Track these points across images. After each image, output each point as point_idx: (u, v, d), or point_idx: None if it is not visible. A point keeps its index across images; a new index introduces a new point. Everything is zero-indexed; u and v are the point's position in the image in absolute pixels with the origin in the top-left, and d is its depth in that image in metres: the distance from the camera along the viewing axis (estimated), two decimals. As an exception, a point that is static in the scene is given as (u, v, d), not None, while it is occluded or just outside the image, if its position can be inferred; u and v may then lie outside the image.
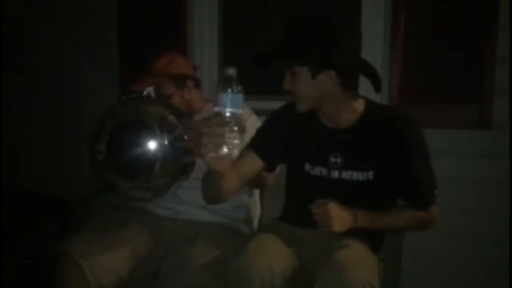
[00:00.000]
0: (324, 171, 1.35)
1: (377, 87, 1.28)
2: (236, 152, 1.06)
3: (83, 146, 1.48)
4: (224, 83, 1.04)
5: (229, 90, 1.04)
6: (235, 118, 1.04)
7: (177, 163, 1.40)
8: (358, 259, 1.15)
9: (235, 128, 1.04)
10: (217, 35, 2.33)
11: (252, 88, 2.30)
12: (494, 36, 1.76)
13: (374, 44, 1.97)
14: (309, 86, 1.25)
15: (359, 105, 1.34)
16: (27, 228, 2.08)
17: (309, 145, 1.37)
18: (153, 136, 1.37)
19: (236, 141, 1.05)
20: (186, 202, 1.55)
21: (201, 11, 2.29)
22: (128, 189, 1.43)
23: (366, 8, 2.03)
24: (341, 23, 1.26)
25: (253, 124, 1.56)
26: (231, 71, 1.05)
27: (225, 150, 1.04)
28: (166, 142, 1.37)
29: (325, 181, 1.34)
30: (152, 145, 1.37)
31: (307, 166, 1.37)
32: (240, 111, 1.05)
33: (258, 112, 1.75)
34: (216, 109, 1.04)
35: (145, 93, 1.48)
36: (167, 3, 2.25)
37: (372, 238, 1.32)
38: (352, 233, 1.25)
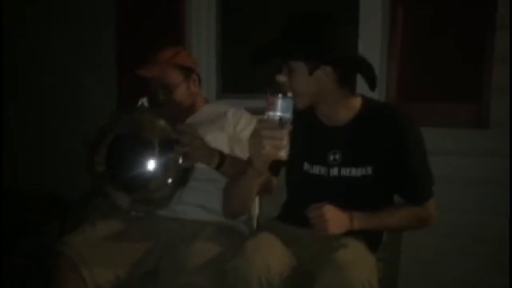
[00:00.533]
0: (322, 170, 1.35)
1: (372, 85, 1.28)
2: (286, 154, 1.13)
3: (83, 147, 1.50)
4: (275, 89, 1.11)
5: (280, 95, 1.10)
6: (285, 122, 1.11)
7: (178, 173, 1.44)
8: (357, 258, 1.15)
9: (285, 131, 1.11)
10: (215, 35, 2.33)
11: (248, 87, 2.31)
12: (492, 35, 1.76)
13: (372, 42, 1.96)
14: (306, 83, 1.26)
15: (357, 102, 1.34)
16: (26, 227, 2.09)
17: (307, 144, 1.37)
18: (152, 149, 1.40)
19: (287, 144, 1.12)
20: (185, 202, 1.55)
21: (198, 11, 2.28)
22: (129, 203, 1.46)
23: (363, 7, 2.02)
24: (338, 20, 1.27)
25: (246, 121, 1.59)
26: (282, 78, 1.13)
27: (282, 153, 1.11)
28: (165, 154, 1.41)
29: (324, 179, 1.34)
30: (152, 158, 1.40)
31: (305, 166, 1.37)
32: (289, 115, 1.11)
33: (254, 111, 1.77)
34: (270, 113, 1.11)
35: (139, 103, 1.51)
36: (166, 4, 2.25)
37: (370, 237, 1.32)
38: (350, 233, 1.25)
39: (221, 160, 1.43)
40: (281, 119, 1.11)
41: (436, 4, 1.84)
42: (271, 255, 1.19)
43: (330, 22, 1.25)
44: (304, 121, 1.36)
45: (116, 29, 2.31)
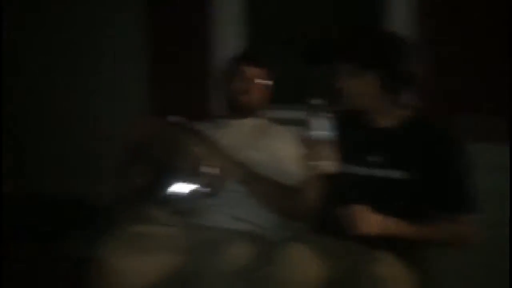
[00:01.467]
0: (361, 170, 1.36)
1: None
2: (331, 168, 1.26)
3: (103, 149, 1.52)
4: (312, 110, 1.24)
5: (316, 116, 1.24)
6: (325, 139, 1.24)
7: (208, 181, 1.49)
8: (394, 273, 1.16)
9: (327, 147, 1.24)
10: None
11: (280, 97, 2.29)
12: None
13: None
14: (352, 84, 1.33)
15: (404, 110, 1.38)
16: (55, 232, 2.11)
17: (349, 145, 1.36)
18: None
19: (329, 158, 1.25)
20: (218, 212, 1.57)
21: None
22: (163, 215, 1.56)
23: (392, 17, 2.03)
24: (395, 35, 1.38)
25: (290, 141, 1.61)
26: (316, 101, 1.24)
27: (327, 167, 1.25)
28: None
29: (361, 181, 1.36)
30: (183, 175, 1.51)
31: (344, 166, 1.36)
32: (327, 134, 1.24)
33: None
34: (313, 133, 1.24)
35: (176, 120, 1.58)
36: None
37: (405, 252, 1.30)
38: (386, 246, 1.25)
39: (245, 175, 1.51)
40: (320, 137, 1.23)
41: (465, 17, 1.84)
42: (304, 265, 1.20)
43: (385, 34, 1.36)
44: (351, 122, 1.40)
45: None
